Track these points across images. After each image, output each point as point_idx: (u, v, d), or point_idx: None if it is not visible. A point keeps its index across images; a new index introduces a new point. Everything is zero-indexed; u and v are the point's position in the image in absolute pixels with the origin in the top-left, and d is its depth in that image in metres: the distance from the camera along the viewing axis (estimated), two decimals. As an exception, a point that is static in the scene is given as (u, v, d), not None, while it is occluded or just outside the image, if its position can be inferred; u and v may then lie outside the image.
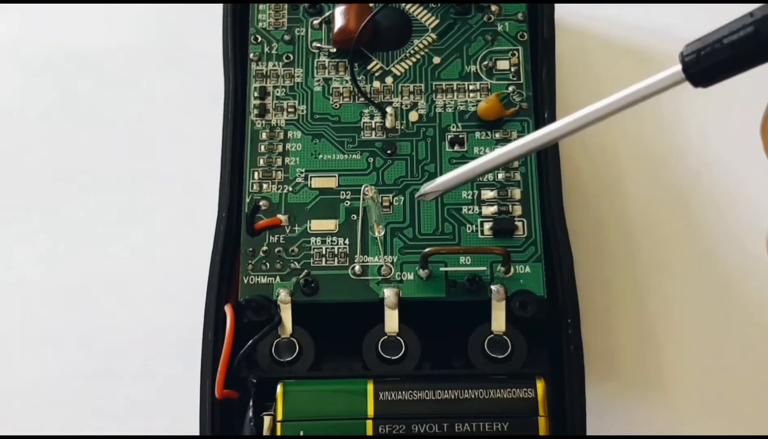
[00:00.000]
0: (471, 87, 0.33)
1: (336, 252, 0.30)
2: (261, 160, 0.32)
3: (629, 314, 0.35)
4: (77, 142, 0.39)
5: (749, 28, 0.19)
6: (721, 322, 0.35)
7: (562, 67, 0.35)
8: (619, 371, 0.34)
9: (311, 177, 0.32)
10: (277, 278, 0.30)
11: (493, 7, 0.34)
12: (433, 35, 0.34)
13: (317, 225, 0.31)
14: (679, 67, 0.20)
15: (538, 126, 0.32)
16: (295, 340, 0.29)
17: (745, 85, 0.38)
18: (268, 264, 0.30)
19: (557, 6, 0.34)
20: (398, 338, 0.29)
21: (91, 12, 0.42)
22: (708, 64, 0.20)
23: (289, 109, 0.33)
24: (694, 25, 0.40)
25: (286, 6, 0.34)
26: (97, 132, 0.39)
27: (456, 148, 0.32)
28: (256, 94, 0.33)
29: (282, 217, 0.31)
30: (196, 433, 0.28)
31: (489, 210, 0.31)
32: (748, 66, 0.19)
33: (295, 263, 0.30)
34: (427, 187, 0.28)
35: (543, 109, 0.32)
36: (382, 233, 0.31)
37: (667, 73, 0.21)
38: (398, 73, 0.33)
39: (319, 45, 0.34)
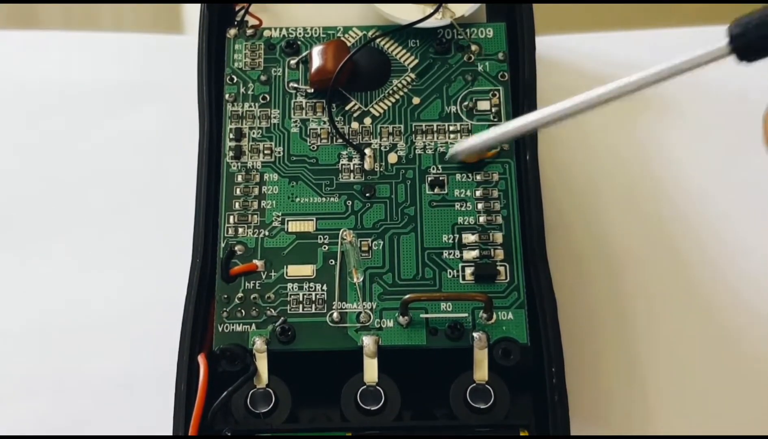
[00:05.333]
0: (451, 128, 0.32)
1: (313, 298, 0.30)
2: (236, 204, 0.31)
3: (615, 359, 0.34)
4: (48, 183, 0.38)
5: None
6: (712, 366, 0.34)
7: (545, 103, 0.34)
8: (606, 419, 0.33)
9: (288, 221, 0.31)
10: (253, 326, 0.29)
11: (473, 47, 0.33)
12: (413, 75, 0.33)
13: (294, 271, 0.30)
14: (725, 40, 0.19)
15: (519, 168, 0.32)
16: (271, 390, 0.28)
17: (721, 114, 0.38)
18: (243, 311, 0.29)
19: (538, 40, 0.34)
20: (378, 387, 0.28)
21: (66, 45, 0.41)
22: (755, 36, 0.18)
23: (266, 151, 0.32)
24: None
25: (262, 45, 0.34)
26: (69, 172, 0.38)
27: (436, 190, 0.31)
28: (231, 136, 0.32)
29: (258, 263, 0.30)
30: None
31: (470, 255, 0.30)
32: None
33: (272, 310, 0.30)
34: (458, 147, 0.28)
35: (525, 151, 0.32)
36: (361, 279, 0.30)
37: (713, 48, 0.20)
38: (377, 114, 0.33)
39: (296, 85, 0.33)
